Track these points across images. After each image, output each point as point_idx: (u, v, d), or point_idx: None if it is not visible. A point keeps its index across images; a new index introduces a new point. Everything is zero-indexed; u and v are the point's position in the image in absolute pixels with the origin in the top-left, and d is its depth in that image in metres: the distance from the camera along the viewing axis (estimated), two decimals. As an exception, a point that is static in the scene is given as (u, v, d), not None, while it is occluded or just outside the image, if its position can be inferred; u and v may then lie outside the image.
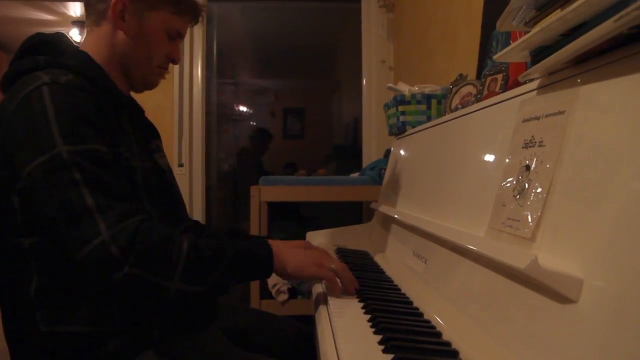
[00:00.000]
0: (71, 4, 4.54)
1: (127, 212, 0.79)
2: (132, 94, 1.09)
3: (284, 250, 0.92)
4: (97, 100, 0.87)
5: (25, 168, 0.79)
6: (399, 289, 0.99)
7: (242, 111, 4.62)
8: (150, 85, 1.06)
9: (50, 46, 0.96)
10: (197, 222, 1.25)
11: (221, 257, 0.84)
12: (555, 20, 0.57)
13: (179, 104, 3.10)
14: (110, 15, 0.97)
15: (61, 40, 1.00)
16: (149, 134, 1.08)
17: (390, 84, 1.73)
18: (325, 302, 0.89)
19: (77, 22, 4.88)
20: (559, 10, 0.60)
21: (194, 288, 0.81)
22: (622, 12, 0.43)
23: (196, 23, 1.07)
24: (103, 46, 0.98)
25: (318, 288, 0.99)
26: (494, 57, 0.77)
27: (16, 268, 0.85)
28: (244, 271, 0.88)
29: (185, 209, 1.11)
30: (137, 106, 1.08)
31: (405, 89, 1.61)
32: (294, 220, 3.13)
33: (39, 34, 0.98)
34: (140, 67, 1.01)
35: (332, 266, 0.93)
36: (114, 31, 0.98)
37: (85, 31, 1.02)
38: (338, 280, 0.92)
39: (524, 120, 0.72)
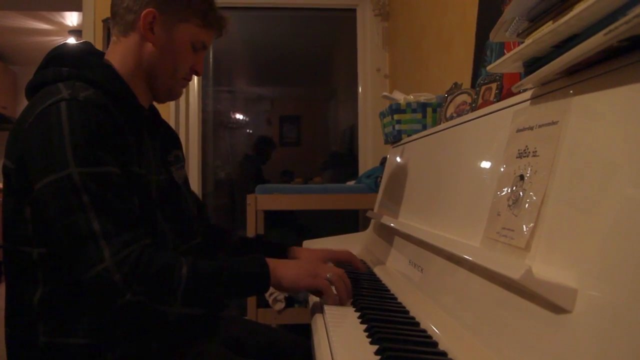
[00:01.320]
0: (68, 13, 4.56)
1: (131, 239, 0.80)
2: None
3: (280, 265, 0.93)
4: (115, 117, 0.87)
5: (37, 183, 0.81)
6: (396, 298, 0.99)
7: (239, 119, 4.62)
8: (174, 95, 1.06)
9: (74, 57, 0.96)
10: (218, 229, 1.25)
11: (219, 278, 0.85)
12: (547, 33, 0.57)
13: (175, 112, 3.10)
14: (139, 27, 0.97)
15: (87, 51, 1.00)
16: (169, 144, 1.09)
17: (385, 93, 1.74)
18: (322, 311, 0.89)
19: (74, 32, 4.89)
20: (551, 22, 0.61)
21: (193, 310, 0.83)
22: (611, 26, 0.44)
23: (220, 35, 1.08)
24: (130, 57, 0.99)
25: (315, 297, 0.99)
26: (488, 67, 0.78)
27: (23, 277, 0.87)
28: (241, 289, 0.89)
29: (196, 222, 1.10)
30: (157, 118, 1.09)
31: (400, 97, 1.62)
32: (290, 228, 3.13)
33: (65, 44, 0.98)
34: (166, 78, 1.02)
35: (328, 275, 0.93)
36: (142, 42, 0.98)
37: (110, 41, 1.02)
38: (334, 288, 0.93)
39: (518, 130, 0.73)
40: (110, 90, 0.90)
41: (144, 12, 0.96)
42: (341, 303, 0.92)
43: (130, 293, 0.77)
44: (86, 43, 1.02)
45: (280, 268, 0.92)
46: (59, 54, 0.96)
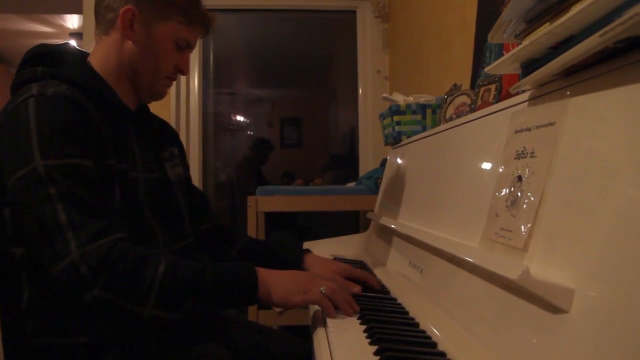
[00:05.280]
0: (69, 16, 4.57)
1: (101, 231, 0.76)
2: None
3: (271, 277, 0.87)
4: (88, 110, 0.85)
5: (8, 181, 0.80)
6: (395, 299, 0.99)
7: (239, 121, 4.62)
8: (157, 95, 1.04)
9: (52, 56, 0.95)
10: (227, 230, 1.20)
11: (199, 283, 0.80)
12: (544, 34, 0.58)
13: (176, 114, 3.11)
14: (119, 25, 0.95)
15: (64, 50, 0.99)
16: (162, 142, 1.07)
17: (385, 94, 1.74)
18: (322, 313, 0.90)
19: (75, 34, 4.90)
20: (547, 24, 0.62)
21: (168, 314, 0.78)
22: (607, 28, 0.44)
23: (207, 34, 1.05)
24: (111, 55, 0.98)
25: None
26: (486, 69, 0.78)
27: (9, 278, 0.85)
28: (224, 298, 0.83)
29: (189, 222, 1.08)
30: (147, 117, 1.07)
31: (400, 99, 1.62)
32: (291, 230, 3.13)
33: (43, 45, 0.97)
34: (148, 77, 1.00)
35: (322, 289, 0.87)
36: (122, 40, 0.97)
37: (94, 40, 1.01)
38: (330, 302, 0.86)
39: (516, 131, 0.73)
40: (87, 88, 0.88)
41: (123, 9, 0.94)
42: (345, 313, 0.86)
43: (97, 288, 0.73)
44: (65, 43, 1.01)
45: (271, 280, 0.86)
46: (35, 54, 0.95)
